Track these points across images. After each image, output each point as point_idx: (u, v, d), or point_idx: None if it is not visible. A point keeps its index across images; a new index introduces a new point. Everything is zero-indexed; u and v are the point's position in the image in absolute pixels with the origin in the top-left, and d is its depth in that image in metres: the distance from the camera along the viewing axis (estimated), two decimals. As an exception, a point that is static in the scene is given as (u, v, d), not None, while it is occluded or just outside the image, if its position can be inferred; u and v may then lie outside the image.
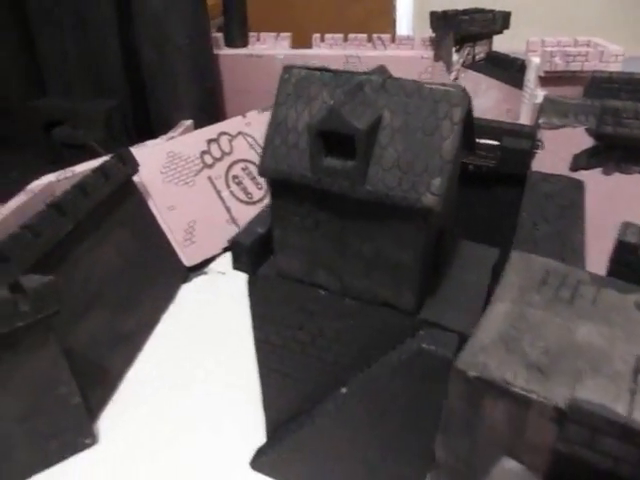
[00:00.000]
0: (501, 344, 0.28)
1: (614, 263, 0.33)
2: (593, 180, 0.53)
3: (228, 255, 0.84)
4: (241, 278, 0.78)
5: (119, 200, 0.69)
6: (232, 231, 0.85)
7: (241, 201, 0.86)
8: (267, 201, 0.86)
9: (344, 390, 0.43)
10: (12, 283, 0.45)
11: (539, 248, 0.43)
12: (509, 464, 0.27)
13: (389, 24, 1.91)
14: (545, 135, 0.54)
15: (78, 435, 0.56)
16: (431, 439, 0.41)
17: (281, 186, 0.37)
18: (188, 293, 0.76)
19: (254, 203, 0.87)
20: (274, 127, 0.36)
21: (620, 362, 0.26)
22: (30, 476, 0.54)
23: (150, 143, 0.82)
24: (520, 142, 0.55)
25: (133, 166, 0.71)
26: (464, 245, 0.44)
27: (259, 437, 0.56)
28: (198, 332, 0.70)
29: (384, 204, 0.33)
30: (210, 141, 0.84)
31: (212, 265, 0.82)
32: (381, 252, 0.36)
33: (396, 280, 0.36)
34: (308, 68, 0.36)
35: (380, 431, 0.43)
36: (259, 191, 0.88)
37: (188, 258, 0.79)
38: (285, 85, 0.36)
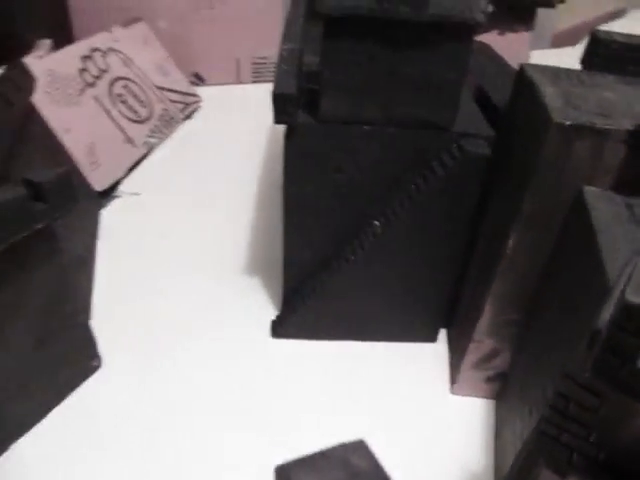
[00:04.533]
0: (569, 108, 0.37)
1: (588, 55, 0.44)
2: (491, 40, 0.66)
3: (135, 176, 0.81)
4: (156, 194, 0.76)
5: (26, 124, 0.61)
6: (131, 151, 0.81)
7: (130, 120, 0.81)
8: (154, 120, 0.85)
9: (377, 223, 0.50)
10: (25, 178, 0.40)
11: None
12: (590, 189, 0.38)
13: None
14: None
15: (87, 358, 0.51)
16: (462, 242, 0.50)
17: (339, 24, 0.40)
18: (112, 218, 0.71)
19: (142, 121, 0.83)
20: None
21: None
22: (48, 413, 0.49)
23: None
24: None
25: (30, 83, 0.63)
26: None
27: (266, 313, 0.59)
28: (143, 254, 0.67)
29: (442, 25, 0.39)
30: (84, 58, 0.77)
31: (121, 187, 0.77)
32: (430, 74, 0.42)
33: (440, 100, 0.43)
34: None
35: (416, 251, 0.50)
36: (144, 109, 0.84)
37: (97, 182, 0.73)
38: None
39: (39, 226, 0.41)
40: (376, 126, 0.45)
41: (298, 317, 0.56)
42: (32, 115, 0.62)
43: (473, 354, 0.49)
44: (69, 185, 0.42)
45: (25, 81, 0.62)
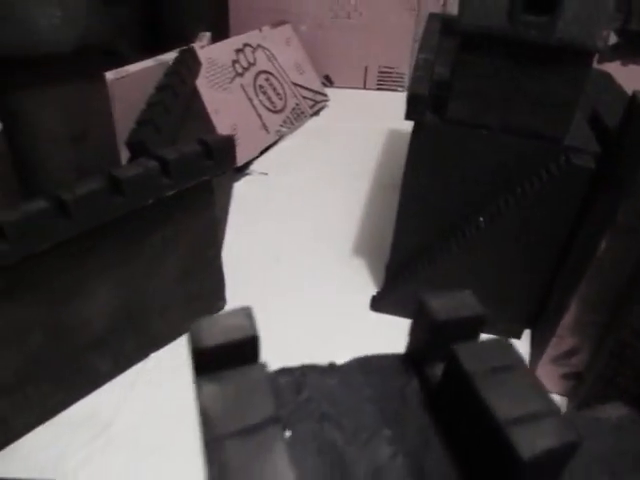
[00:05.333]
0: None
1: None
2: (613, 70, 0.70)
3: (265, 158, 0.91)
4: (281, 176, 0.86)
5: (192, 101, 0.72)
6: (264, 136, 0.92)
7: (268, 109, 0.92)
8: (287, 112, 0.94)
9: (482, 219, 0.55)
10: (200, 138, 0.50)
11: None
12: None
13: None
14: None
15: (216, 297, 0.61)
16: (557, 247, 0.55)
17: (474, 40, 0.47)
18: (242, 191, 0.82)
19: (277, 112, 0.93)
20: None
21: None
22: (181, 336, 0.59)
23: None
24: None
25: (198, 67, 0.74)
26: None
27: (368, 288, 0.66)
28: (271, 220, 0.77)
29: (565, 49, 0.45)
30: (237, 51, 0.89)
31: (252, 167, 0.88)
32: (549, 92, 0.48)
33: (555, 115, 0.49)
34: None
35: (514, 250, 0.56)
36: (280, 101, 0.94)
37: (234, 159, 0.84)
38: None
39: (205, 178, 0.51)
40: (494, 132, 0.51)
41: (396, 295, 0.63)
42: (196, 94, 0.74)
43: (553, 349, 0.53)
44: (231, 148, 0.52)
45: (194, 64, 0.73)
